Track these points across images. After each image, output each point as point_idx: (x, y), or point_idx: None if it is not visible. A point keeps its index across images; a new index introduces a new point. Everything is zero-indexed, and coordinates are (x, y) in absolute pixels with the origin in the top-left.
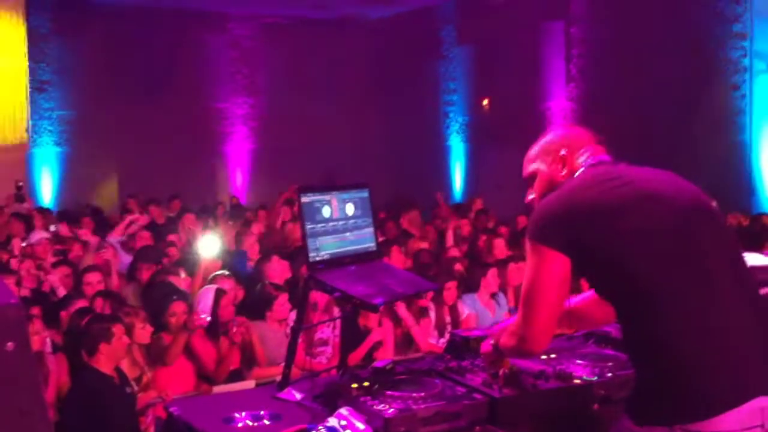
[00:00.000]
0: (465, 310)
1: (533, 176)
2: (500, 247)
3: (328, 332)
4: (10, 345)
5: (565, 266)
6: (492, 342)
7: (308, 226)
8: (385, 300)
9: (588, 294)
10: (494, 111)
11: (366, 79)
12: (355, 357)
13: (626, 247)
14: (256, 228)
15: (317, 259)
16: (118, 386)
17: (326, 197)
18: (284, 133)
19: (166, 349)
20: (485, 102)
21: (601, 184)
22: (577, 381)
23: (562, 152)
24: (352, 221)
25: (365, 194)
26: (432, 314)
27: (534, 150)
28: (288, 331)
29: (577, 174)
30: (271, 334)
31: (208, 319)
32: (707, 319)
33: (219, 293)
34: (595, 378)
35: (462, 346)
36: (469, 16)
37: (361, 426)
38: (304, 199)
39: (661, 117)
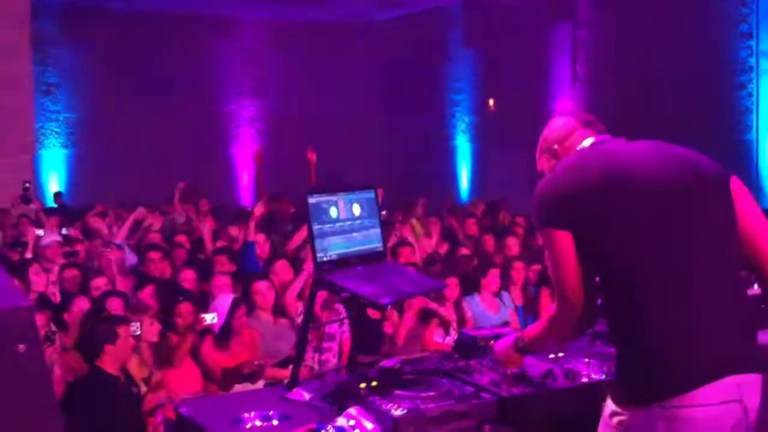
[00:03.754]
0: (468, 310)
1: (542, 173)
2: (512, 246)
3: (335, 327)
4: (21, 347)
5: (571, 241)
6: (512, 340)
7: (316, 227)
8: (393, 299)
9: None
10: (500, 112)
11: (372, 81)
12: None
13: (603, 229)
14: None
15: (325, 259)
16: (124, 386)
17: (333, 198)
18: (290, 135)
19: (173, 351)
20: (491, 103)
21: (580, 168)
22: (585, 380)
23: (555, 147)
24: (359, 222)
25: (371, 195)
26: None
27: (539, 145)
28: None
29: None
30: (262, 326)
31: (214, 321)
32: (683, 299)
33: (236, 302)
34: (603, 377)
35: (470, 346)
36: (476, 17)
37: (369, 426)
38: (312, 200)
39: (667, 117)
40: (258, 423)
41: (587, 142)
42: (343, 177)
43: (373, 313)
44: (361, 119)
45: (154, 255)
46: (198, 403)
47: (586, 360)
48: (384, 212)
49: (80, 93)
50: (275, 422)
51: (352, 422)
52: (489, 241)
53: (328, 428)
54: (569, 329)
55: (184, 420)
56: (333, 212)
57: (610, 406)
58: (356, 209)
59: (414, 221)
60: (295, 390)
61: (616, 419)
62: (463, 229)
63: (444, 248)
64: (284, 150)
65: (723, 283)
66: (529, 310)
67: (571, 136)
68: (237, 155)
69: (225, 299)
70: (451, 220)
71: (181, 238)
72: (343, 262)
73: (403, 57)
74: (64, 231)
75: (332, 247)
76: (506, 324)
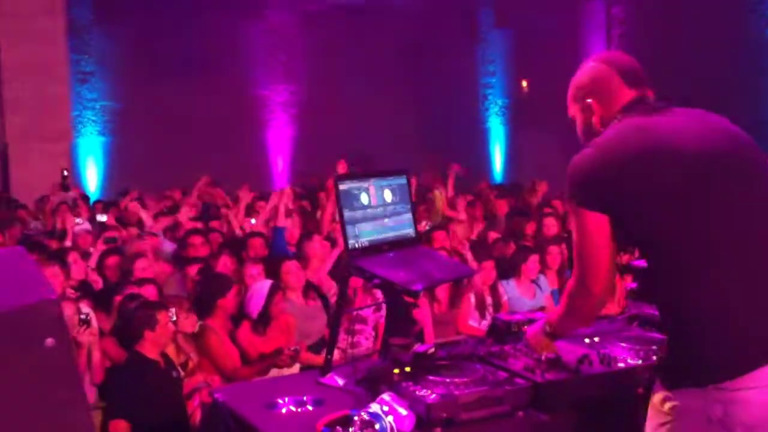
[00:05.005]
0: (503, 294)
1: (573, 119)
2: (550, 226)
3: (368, 311)
4: (49, 341)
5: (604, 224)
6: (541, 325)
7: (347, 213)
8: (425, 285)
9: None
10: (534, 93)
11: (404, 64)
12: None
13: (650, 211)
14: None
15: (356, 246)
16: (163, 370)
17: (364, 184)
18: (323, 119)
19: (211, 339)
20: (524, 84)
21: (624, 142)
22: (621, 365)
23: (589, 101)
24: (390, 207)
25: (403, 180)
26: (471, 296)
27: (569, 91)
28: (313, 304)
29: (607, 127)
30: (293, 308)
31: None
32: (738, 276)
33: (274, 288)
34: (640, 361)
35: (504, 331)
36: None
37: (403, 411)
38: (342, 187)
39: (704, 99)
40: (292, 408)
41: (627, 108)
42: (376, 161)
43: (406, 297)
44: (392, 102)
45: (195, 240)
46: (233, 388)
47: (623, 344)
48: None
49: (115, 80)
50: (309, 407)
51: (385, 408)
52: (524, 224)
53: (362, 414)
54: (589, 314)
55: (219, 405)
56: (364, 198)
57: (660, 391)
58: (388, 195)
59: (437, 192)
60: (328, 375)
61: (668, 405)
62: (493, 210)
63: (478, 228)
64: (317, 134)
65: None
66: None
67: (610, 92)
68: (271, 140)
69: (262, 285)
70: (491, 201)
71: (216, 223)
72: (375, 248)
73: (435, 39)
74: (102, 218)
75: (363, 234)
76: (542, 309)
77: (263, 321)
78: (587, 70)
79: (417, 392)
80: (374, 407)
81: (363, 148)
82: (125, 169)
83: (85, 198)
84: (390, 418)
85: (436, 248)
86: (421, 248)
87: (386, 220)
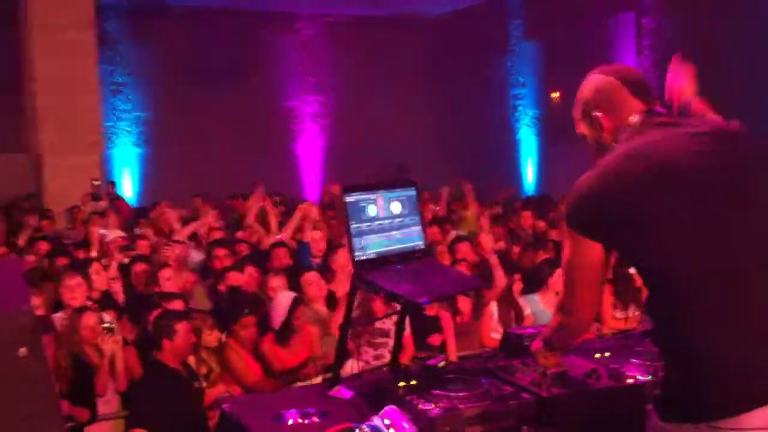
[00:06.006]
0: (526, 308)
1: (583, 137)
2: None
3: (389, 323)
4: (22, 350)
5: (597, 250)
6: (542, 337)
7: (353, 226)
8: (431, 298)
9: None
10: (565, 104)
11: (435, 75)
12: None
13: (649, 239)
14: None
15: (363, 258)
16: (184, 380)
17: (371, 196)
18: (354, 130)
19: (232, 361)
20: (555, 95)
21: (625, 168)
22: (629, 381)
23: (596, 114)
24: (398, 219)
25: (412, 192)
26: (494, 309)
27: (575, 108)
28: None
29: (617, 143)
30: (316, 318)
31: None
32: (734, 310)
33: (297, 301)
34: (650, 377)
35: (516, 344)
36: (537, 9)
37: (405, 425)
38: (349, 199)
39: (736, 111)
40: (298, 420)
41: (630, 123)
42: (407, 171)
43: (429, 310)
44: (423, 114)
45: (220, 252)
46: (241, 400)
47: (633, 360)
48: (437, 208)
49: (148, 92)
50: (315, 419)
51: (387, 421)
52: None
53: (364, 427)
54: (574, 334)
55: (227, 416)
56: (371, 210)
57: (653, 419)
58: (396, 207)
59: (468, 213)
60: (336, 388)
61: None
62: (519, 223)
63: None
64: (348, 144)
65: None
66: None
67: (617, 104)
68: (301, 151)
69: (285, 297)
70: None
71: (243, 234)
72: (382, 260)
73: (465, 50)
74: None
75: (370, 246)
76: None
77: (286, 333)
78: (591, 82)
79: (420, 406)
80: (376, 421)
81: (394, 158)
82: (159, 179)
83: (118, 201)
84: None
85: (459, 259)
86: (430, 260)
87: (394, 232)
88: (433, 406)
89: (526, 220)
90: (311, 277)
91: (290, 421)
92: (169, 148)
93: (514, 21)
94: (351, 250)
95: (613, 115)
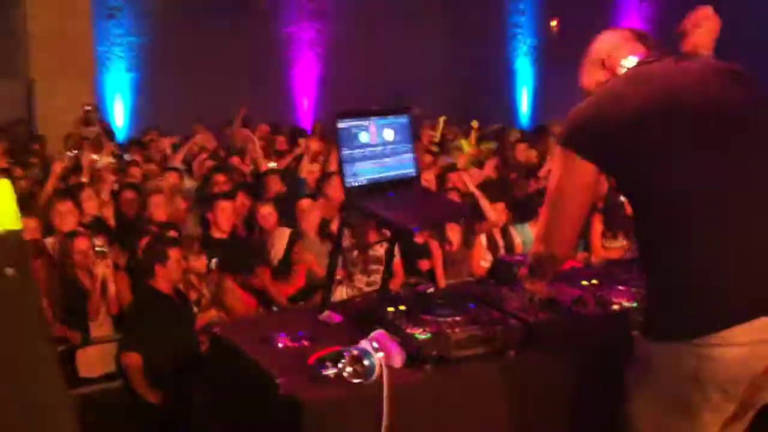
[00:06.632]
0: (517, 237)
1: (585, 91)
2: None
3: (383, 250)
4: (10, 271)
5: (590, 173)
6: (526, 265)
7: (345, 152)
8: (422, 225)
9: None
10: (564, 33)
11: (432, 2)
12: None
13: (644, 158)
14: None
15: (354, 184)
16: (176, 305)
17: (364, 123)
18: (350, 57)
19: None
20: (554, 24)
21: (628, 91)
22: (615, 307)
23: (603, 58)
24: (391, 147)
25: (405, 120)
26: (483, 236)
27: (584, 64)
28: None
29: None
30: (309, 246)
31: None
32: (717, 233)
33: (294, 236)
34: (635, 304)
35: (505, 271)
36: None
37: (393, 348)
38: (341, 125)
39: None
40: (287, 343)
41: (631, 61)
42: (404, 100)
43: (418, 238)
44: (419, 42)
45: (219, 178)
46: (232, 324)
47: (621, 287)
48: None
49: (142, 16)
50: (305, 342)
51: (375, 344)
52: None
53: (352, 350)
54: (554, 267)
55: (219, 339)
56: (363, 137)
57: (638, 341)
58: (389, 134)
59: (463, 141)
60: (326, 312)
61: (641, 351)
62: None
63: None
64: (344, 73)
65: None
66: (580, 237)
67: (620, 47)
68: (296, 79)
69: (282, 234)
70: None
71: (235, 160)
72: (374, 187)
73: None
74: (126, 157)
75: (362, 172)
76: None
77: (285, 269)
78: (599, 37)
79: (408, 330)
80: (364, 344)
81: (389, 87)
82: (152, 105)
83: (110, 132)
84: (380, 355)
85: (449, 188)
86: (422, 188)
87: (386, 159)
88: (421, 330)
89: (520, 152)
90: (304, 204)
91: (280, 344)
92: (162, 74)
93: None
94: (342, 176)
95: (614, 54)
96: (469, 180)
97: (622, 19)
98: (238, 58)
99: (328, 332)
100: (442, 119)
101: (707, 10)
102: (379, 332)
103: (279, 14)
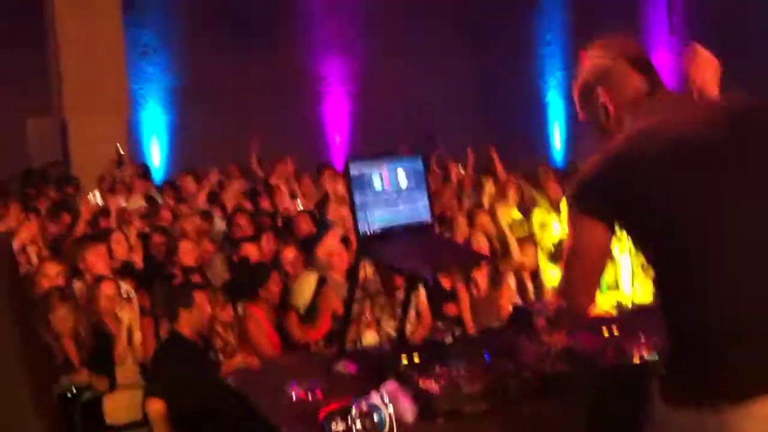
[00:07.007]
0: (549, 280)
1: (587, 122)
2: None
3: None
4: None
5: (602, 232)
6: (545, 316)
7: (358, 198)
8: (435, 273)
9: None
10: None
11: (460, 36)
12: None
13: (658, 217)
14: None
15: (368, 231)
16: (200, 350)
17: (377, 169)
18: (381, 94)
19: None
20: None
21: (632, 149)
22: (635, 360)
23: (597, 92)
24: (405, 192)
25: (419, 165)
26: (512, 279)
27: (575, 92)
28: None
29: (621, 122)
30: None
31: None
32: (742, 290)
33: (321, 282)
34: (656, 357)
35: (524, 319)
36: None
37: (405, 402)
38: (354, 171)
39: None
40: (299, 394)
41: (634, 102)
42: (435, 137)
43: (446, 282)
44: (448, 76)
45: (241, 220)
46: (247, 372)
47: (643, 338)
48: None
49: (177, 55)
50: (316, 394)
51: (386, 398)
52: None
53: (362, 404)
54: (574, 320)
55: (230, 388)
56: (376, 182)
57: (656, 398)
58: (402, 180)
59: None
60: (341, 362)
61: (657, 411)
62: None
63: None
64: (374, 109)
65: None
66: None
67: (619, 79)
68: (328, 115)
69: (309, 278)
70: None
71: (265, 202)
72: (388, 233)
73: (490, 7)
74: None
75: (376, 219)
76: None
77: (311, 315)
78: (589, 61)
79: (421, 382)
80: (375, 397)
81: (420, 123)
82: (188, 145)
83: (145, 173)
84: (390, 409)
85: (478, 230)
86: (436, 234)
87: (400, 204)
88: (433, 382)
89: (552, 191)
90: (335, 247)
91: (293, 395)
92: (197, 114)
93: None
94: (355, 223)
95: (615, 92)
96: (496, 220)
97: (650, 51)
98: (271, 96)
99: (342, 382)
100: (471, 154)
101: (696, 47)
102: (391, 384)
103: (310, 53)
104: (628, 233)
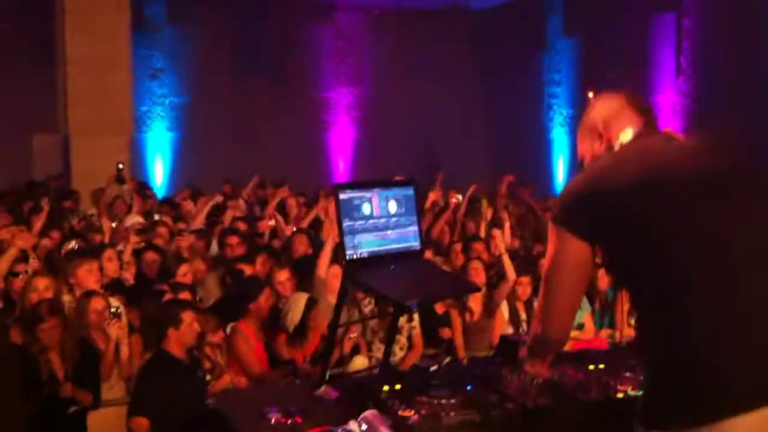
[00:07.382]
0: None
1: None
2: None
3: (403, 320)
4: None
5: (583, 250)
6: (526, 346)
7: (346, 223)
8: (420, 301)
9: None
10: None
11: (469, 70)
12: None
13: (639, 237)
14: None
15: (354, 256)
16: (188, 369)
17: (366, 194)
18: (386, 122)
19: (238, 344)
20: (591, 95)
21: (619, 169)
22: (619, 395)
23: (600, 127)
24: (394, 219)
25: (410, 192)
26: (505, 308)
27: (581, 129)
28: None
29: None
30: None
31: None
32: (723, 311)
33: (311, 302)
34: (641, 392)
35: (509, 350)
36: (577, 6)
37: (383, 431)
38: (342, 196)
39: None
40: (279, 419)
41: (628, 134)
42: (439, 167)
43: (439, 308)
44: (455, 109)
45: (232, 240)
46: (228, 395)
47: (626, 373)
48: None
49: (184, 77)
50: (296, 420)
51: (364, 426)
52: None
53: (339, 431)
54: (552, 349)
55: (212, 411)
56: (366, 208)
57: (636, 427)
58: (392, 206)
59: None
60: (323, 388)
61: None
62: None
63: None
64: (380, 136)
65: None
66: (606, 313)
67: (617, 117)
68: (333, 141)
69: (299, 299)
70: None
71: (263, 224)
72: (376, 259)
73: (500, 45)
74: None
75: (363, 245)
76: (580, 327)
77: (300, 334)
78: (597, 102)
79: (401, 411)
80: (353, 425)
81: (424, 153)
82: (191, 165)
83: (145, 188)
84: None
85: (473, 257)
86: (426, 262)
87: (389, 231)
88: (413, 412)
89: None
90: (335, 270)
91: (272, 420)
92: (201, 134)
93: (553, 17)
94: (342, 248)
95: (612, 125)
96: (493, 246)
97: (658, 92)
98: (277, 121)
99: (323, 407)
100: (473, 187)
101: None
102: (371, 413)
103: (317, 80)
104: (606, 251)
